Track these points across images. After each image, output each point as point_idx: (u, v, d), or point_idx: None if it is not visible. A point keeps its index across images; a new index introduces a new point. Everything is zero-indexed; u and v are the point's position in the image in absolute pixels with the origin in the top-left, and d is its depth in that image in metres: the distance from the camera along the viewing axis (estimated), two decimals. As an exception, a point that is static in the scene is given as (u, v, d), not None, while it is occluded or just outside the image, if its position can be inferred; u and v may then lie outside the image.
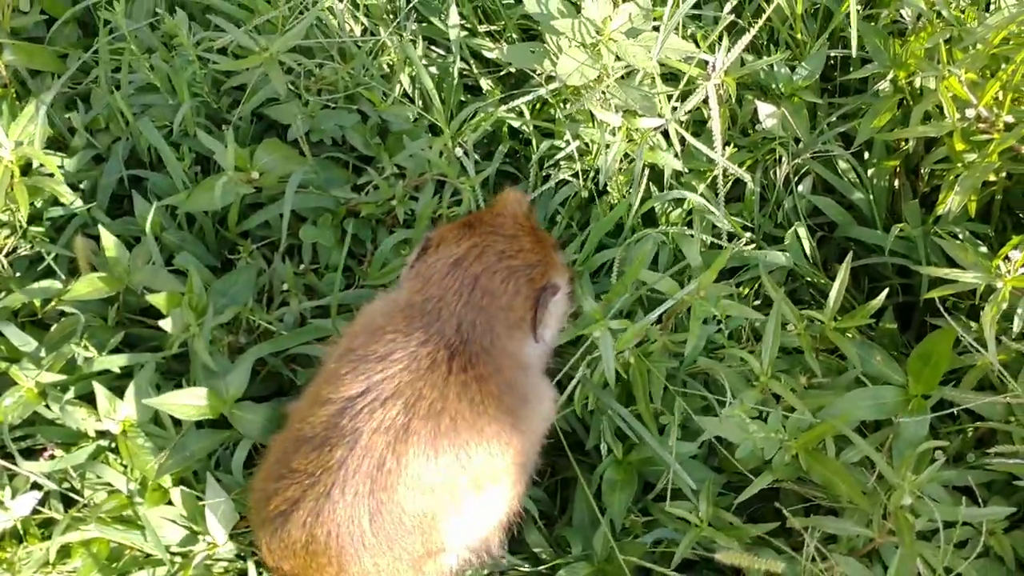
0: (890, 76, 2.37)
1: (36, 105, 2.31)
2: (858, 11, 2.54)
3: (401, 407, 1.72)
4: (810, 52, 2.49)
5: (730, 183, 2.44)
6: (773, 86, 2.49)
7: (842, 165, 2.45)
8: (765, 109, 2.43)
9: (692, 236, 2.24)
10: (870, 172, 2.43)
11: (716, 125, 2.05)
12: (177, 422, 2.06)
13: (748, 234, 2.32)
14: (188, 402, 1.97)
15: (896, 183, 2.47)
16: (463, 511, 1.80)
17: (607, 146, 2.26)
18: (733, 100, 2.45)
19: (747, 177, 2.16)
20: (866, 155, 2.46)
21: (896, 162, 2.42)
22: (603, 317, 1.85)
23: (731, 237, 2.34)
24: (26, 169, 2.33)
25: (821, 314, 2.01)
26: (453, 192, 2.36)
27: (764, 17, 2.06)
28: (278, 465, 1.79)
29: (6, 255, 2.33)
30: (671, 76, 2.49)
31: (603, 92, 2.29)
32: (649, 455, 1.96)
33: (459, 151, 2.35)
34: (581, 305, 1.97)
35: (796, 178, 2.43)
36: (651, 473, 2.01)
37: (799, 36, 2.53)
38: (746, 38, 2.03)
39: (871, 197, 2.41)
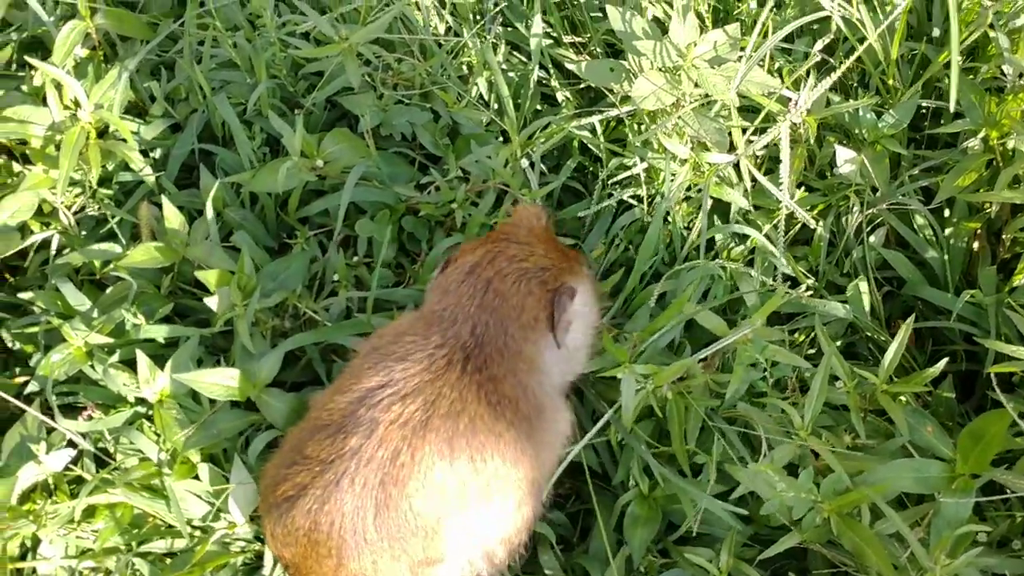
0: (981, 134, 2.27)
1: (120, 70, 2.35)
2: (959, 62, 2.45)
3: (421, 403, 1.73)
4: (900, 100, 2.40)
5: (798, 226, 2.37)
6: (857, 131, 2.40)
7: (919, 221, 2.35)
8: (845, 154, 2.35)
9: (751, 275, 2.18)
10: (948, 231, 2.33)
11: (785, 166, 1.99)
12: (212, 399, 2.08)
13: (810, 280, 2.24)
14: (218, 381, 2.00)
15: (975, 246, 2.36)
16: (469, 518, 1.78)
17: (672, 175, 2.21)
18: (812, 140, 2.37)
19: (812, 222, 2.08)
20: (946, 213, 2.36)
21: (977, 224, 2.31)
22: (627, 359, 1.81)
23: (792, 283, 2.27)
24: (103, 132, 2.38)
25: (874, 374, 1.93)
26: (514, 202, 2.34)
27: (853, 57, 1.97)
28: (292, 452, 1.80)
29: (74, 213, 2.38)
30: (750, 109, 2.42)
31: (677, 119, 2.23)
32: (675, 493, 1.91)
33: (525, 162, 2.32)
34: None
35: (869, 228, 2.34)
36: (675, 512, 1.96)
37: (891, 82, 2.44)
38: (830, 78, 1.95)
39: (946, 257, 2.31)
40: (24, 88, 2.47)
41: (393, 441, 1.71)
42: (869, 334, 2.27)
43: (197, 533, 2.06)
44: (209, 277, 2.06)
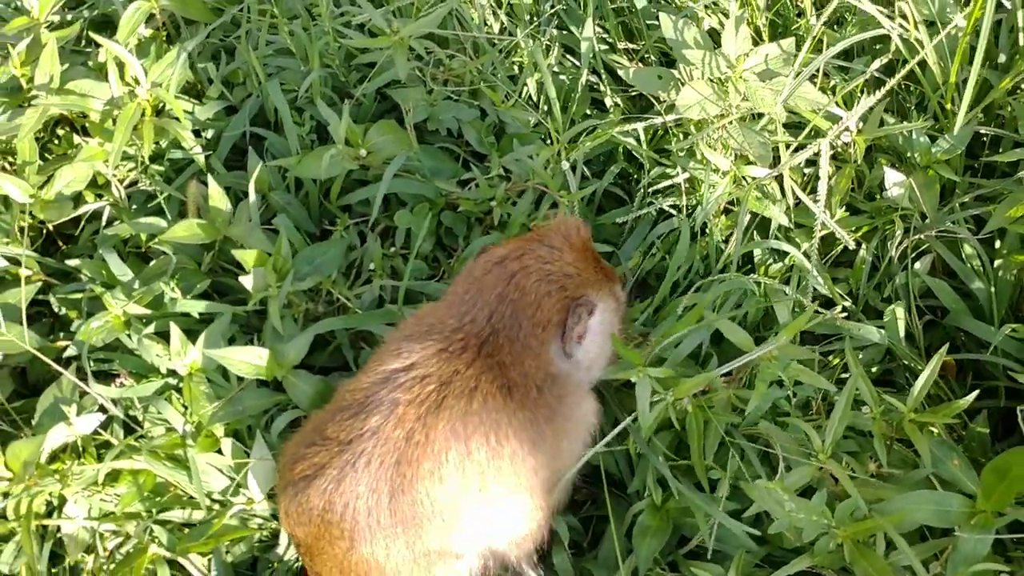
0: (1039, 164, 2.20)
1: (179, 51, 2.42)
2: (1020, 90, 2.38)
3: (436, 383, 1.75)
4: (956, 125, 2.34)
5: (840, 247, 2.33)
6: (909, 154, 2.35)
7: (967, 250, 2.28)
8: (894, 176, 2.30)
9: (785, 293, 2.14)
10: (997, 263, 2.26)
11: (823, 182, 1.95)
12: (240, 376, 2.12)
13: (847, 302, 2.20)
14: (247, 360, 2.03)
15: (1024, 280, 2.30)
16: (483, 506, 1.78)
17: (712, 187, 2.19)
18: (860, 160, 2.32)
19: (850, 241, 2.04)
20: (996, 244, 2.29)
21: (1028, 258, 2.24)
22: (641, 362, 1.80)
23: (831, 305, 2.23)
24: (160, 110, 2.45)
25: (902, 401, 1.88)
26: (552, 204, 2.34)
27: (900, 75, 1.93)
28: (313, 433, 1.82)
29: (126, 187, 2.45)
30: (800, 126, 2.39)
31: (721, 131, 2.21)
32: (687, 506, 1.89)
33: (566, 164, 2.32)
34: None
35: (914, 254, 2.29)
36: (687, 526, 1.94)
37: (949, 106, 2.38)
38: (876, 96, 1.92)
39: (992, 289, 2.24)
40: (89, 64, 2.56)
41: (409, 421, 1.72)
42: (906, 362, 2.22)
43: (216, 507, 2.11)
44: (245, 256, 2.11)
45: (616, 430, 1.88)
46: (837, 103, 2.27)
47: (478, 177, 2.35)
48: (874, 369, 2.21)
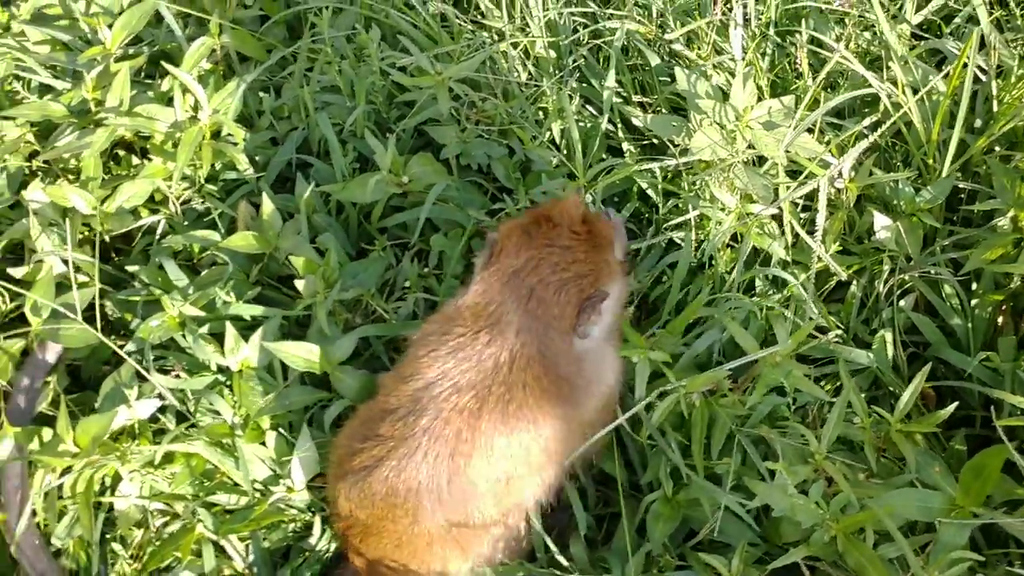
0: (1011, 214, 2.45)
1: (237, 83, 2.66)
2: (994, 151, 2.65)
3: (473, 396, 1.94)
4: (938, 178, 2.60)
5: (833, 282, 2.56)
6: (896, 202, 2.60)
7: (947, 290, 2.52)
8: (882, 220, 2.54)
9: (785, 316, 2.37)
10: (974, 302, 2.50)
11: (821, 214, 2.19)
12: (285, 375, 2.31)
13: (839, 330, 2.42)
14: (300, 354, 2.23)
15: (999, 320, 2.53)
16: (528, 477, 2.01)
17: (719, 222, 2.43)
18: (851, 206, 2.57)
19: (841, 273, 2.28)
20: (974, 285, 2.53)
21: (1001, 296, 2.48)
22: (643, 344, 2.01)
23: (823, 332, 2.45)
24: (216, 135, 2.67)
25: (889, 414, 2.09)
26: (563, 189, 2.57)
27: (885, 127, 2.20)
28: (364, 428, 2.02)
29: (181, 204, 2.67)
30: (797, 173, 2.64)
31: (728, 172, 2.46)
32: (696, 497, 2.08)
33: (588, 197, 2.56)
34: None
35: (899, 292, 2.52)
36: (695, 520, 2.12)
37: (931, 162, 2.64)
38: (865, 143, 2.18)
39: (970, 325, 2.47)
40: (151, 94, 2.79)
41: (455, 423, 1.93)
42: (892, 388, 2.44)
43: (257, 495, 2.27)
44: (298, 262, 2.32)
45: (628, 414, 2.05)
46: (832, 153, 2.52)
47: (508, 207, 2.58)
48: (863, 395, 2.43)
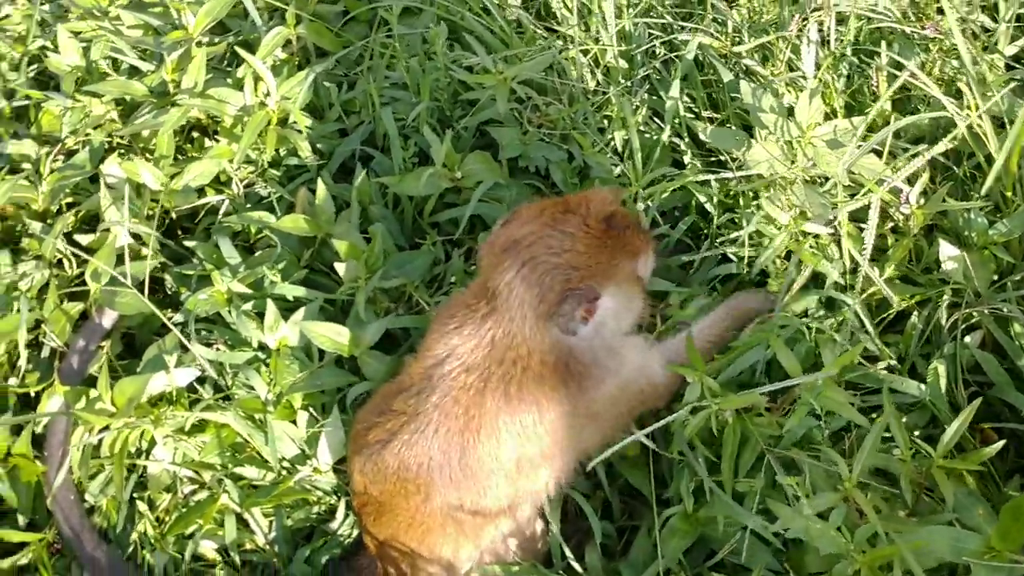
0: (1092, 253, 2.31)
1: (308, 73, 2.73)
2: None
3: (478, 375, 1.94)
4: (1015, 211, 2.47)
5: (892, 312, 2.45)
6: (967, 233, 2.48)
7: (1016, 328, 2.38)
8: (949, 250, 2.42)
9: (835, 340, 2.27)
10: (1046, 344, 2.36)
11: (871, 232, 2.11)
12: (322, 357, 2.35)
13: (892, 360, 2.32)
14: (329, 335, 2.27)
15: (1073, 364, 2.38)
16: (538, 461, 1.99)
17: (770, 239, 2.36)
18: (917, 232, 2.46)
19: (892, 296, 2.18)
20: (1046, 326, 2.39)
21: (1074, 340, 2.33)
22: (703, 368, 1.95)
23: (876, 361, 2.35)
24: (283, 122, 2.75)
25: (932, 447, 1.98)
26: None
27: (946, 141, 2.09)
28: (382, 403, 2.03)
29: (244, 187, 2.75)
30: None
31: (786, 188, 2.39)
32: (715, 516, 2.01)
33: (640, 205, 2.52)
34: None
35: (963, 326, 2.40)
36: (715, 540, 2.05)
37: (1008, 193, 2.51)
38: (916, 162, 2.08)
39: (1038, 368, 2.33)
40: (229, 81, 2.89)
41: (464, 401, 1.93)
42: (947, 426, 2.31)
43: (284, 473, 2.30)
44: (341, 245, 2.35)
45: (656, 425, 1.99)
46: (893, 172, 2.42)
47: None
48: (916, 433, 2.31)
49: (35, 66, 3.21)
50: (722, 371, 2.16)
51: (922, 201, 2.52)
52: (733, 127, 2.85)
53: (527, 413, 1.94)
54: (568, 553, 2.05)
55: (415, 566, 2.06)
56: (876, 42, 2.93)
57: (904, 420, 2.29)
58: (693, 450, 2.10)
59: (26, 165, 2.87)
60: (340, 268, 2.35)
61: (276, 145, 2.67)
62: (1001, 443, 1.95)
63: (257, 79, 2.69)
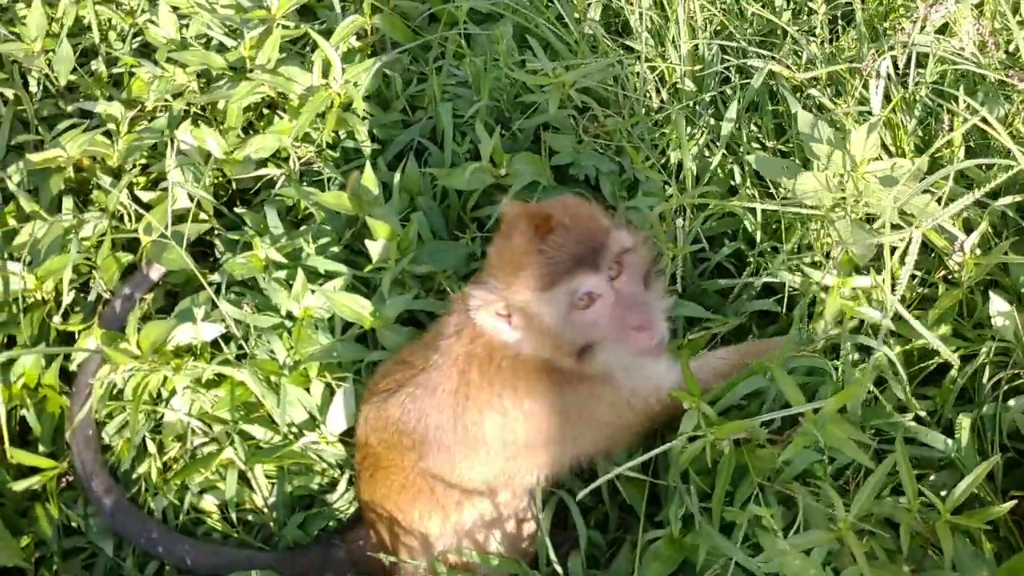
0: None
1: (375, 62, 2.81)
2: None
3: (463, 352, 2.00)
4: (1080, 272, 2.33)
5: (934, 364, 2.34)
6: (1024, 291, 2.36)
7: (1064, 393, 2.24)
8: (1000, 305, 2.30)
9: (860, 383, 2.18)
10: (1094, 414, 2.21)
11: (907, 268, 2.02)
12: (344, 332, 2.39)
13: (921, 411, 2.21)
14: (350, 305, 2.32)
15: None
16: (521, 445, 2.00)
17: (808, 279, 2.29)
18: (969, 283, 2.35)
19: (937, 342, 2.07)
20: (1098, 396, 2.24)
21: (1125, 413, 2.18)
22: (699, 393, 1.90)
23: (903, 411, 2.24)
24: (348, 106, 2.82)
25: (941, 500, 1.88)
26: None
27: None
28: (398, 356, 2.13)
29: (302, 164, 2.83)
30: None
31: (830, 223, 2.32)
32: (699, 543, 1.94)
33: (680, 221, 2.48)
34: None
35: (1007, 387, 2.27)
36: (700, 567, 1.99)
37: (1074, 252, 2.37)
38: (960, 201, 1.98)
39: (1082, 439, 2.18)
40: (303, 64, 2.99)
41: (459, 365, 1.99)
42: (978, 492, 2.18)
43: (291, 438, 2.35)
44: (377, 226, 2.39)
45: (648, 455, 1.96)
46: (956, 220, 2.32)
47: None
48: (944, 493, 2.19)
49: (139, 38, 3.39)
50: (720, 398, 2.10)
51: (978, 252, 2.41)
52: (797, 159, 2.79)
53: (505, 398, 1.95)
54: (552, 556, 2.02)
55: (399, 537, 2.08)
56: (959, 86, 2.83)
57: (932, 478, 2.19)
58: (687, 480, 2.04)
59: (111, 125, 3.03)
60: (371, 246, 2.40)
61: (336, 127, 2.75)
62: (1010, 504, 1.83)
63: (327, 63, 2.77)
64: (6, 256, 2.57)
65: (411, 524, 2.06)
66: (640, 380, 2.05)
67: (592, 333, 1.89)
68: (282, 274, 2.46)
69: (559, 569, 2.03)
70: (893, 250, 2.32)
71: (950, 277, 2.45)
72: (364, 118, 2.78)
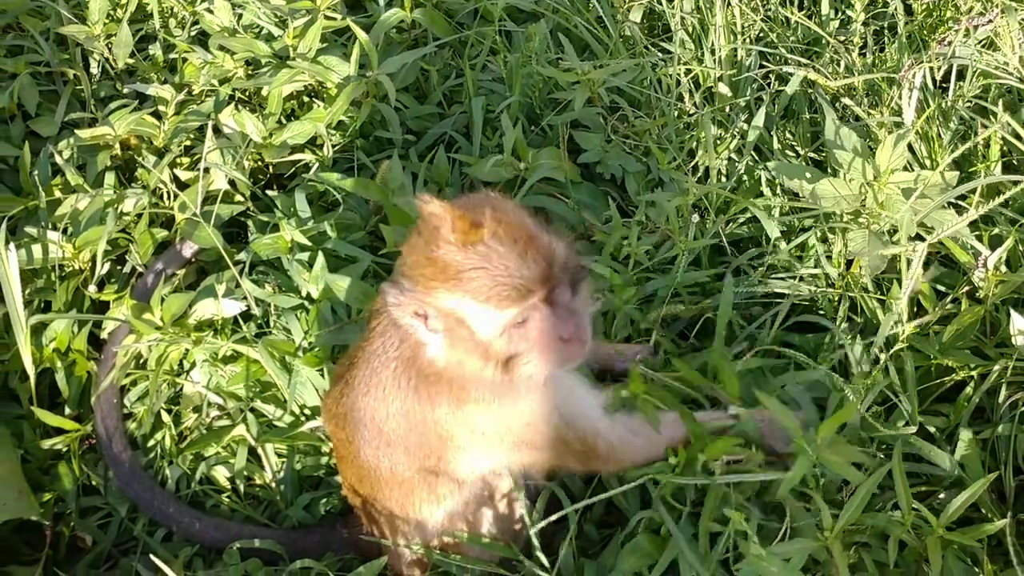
0: None
1: (411, 54, 2.87)
2: None
3: (395, 354, 1.93)
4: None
5: (951, 382, 2.29)
6: (1050, 312, 2.29)
7: (1084, 418, 2.18)
8: (1020, 323, 2.25)
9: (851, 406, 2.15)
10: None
11: (909, 283, 1.98)
12: (359, 314, 2.45)
13: (930, 427, 2.17)
14: (355, 290, 2.36)
15: None
16: (450, 449, 1.97)
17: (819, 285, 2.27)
18: (991, 300, 2.29)
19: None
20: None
21: None
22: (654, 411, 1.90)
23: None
24: (384, 97, 2.88)
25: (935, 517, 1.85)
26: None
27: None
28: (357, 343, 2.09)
29: (337, 151, 2.90)
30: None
31: (844, 231, 2.30)
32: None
33: (696, 217, 2.47)
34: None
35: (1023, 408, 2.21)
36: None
37: (1105, 276, 2.30)
38: (972, 211, 1.94)
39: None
40: (344, 54, 3.06)
41: (389, 367, 1.94)
42: (984, 511, 2.13)
43: (302, 418, 2.41)
44: (394, 211, 2.44)
45: (636, 482, 1.97)
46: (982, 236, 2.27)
47: (615, 219, 2.54)
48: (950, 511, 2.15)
49: (197, 26, 3.51)
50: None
51: (1004, 268, 2.36)
52: (829, 168, 2.76)
53: (414, 402, 1.93)
54: (535, 543, 2.03)
55: (377, 522, 2.11)
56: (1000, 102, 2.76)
57: (942, 496, 2.15)
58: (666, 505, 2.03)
59: (162, 108, 3.15)
60: (387, 231, 2.45)
61: (370, 117, 2.81)
62: (1003, 522, 1.79)
63: (366, 54, 2.84)
64: (48, 225, 2.69)
65: (386, 511, 2.08)
66: (569, 404, 2.00)
67: (520, 344, 1.79)
68: (305, 256, 2.52)
69: (542, 558, 2.04)
70: (909, 261, 2.29)
71: (974, 293, 2.40)
72: (399, 109, 2.84)
